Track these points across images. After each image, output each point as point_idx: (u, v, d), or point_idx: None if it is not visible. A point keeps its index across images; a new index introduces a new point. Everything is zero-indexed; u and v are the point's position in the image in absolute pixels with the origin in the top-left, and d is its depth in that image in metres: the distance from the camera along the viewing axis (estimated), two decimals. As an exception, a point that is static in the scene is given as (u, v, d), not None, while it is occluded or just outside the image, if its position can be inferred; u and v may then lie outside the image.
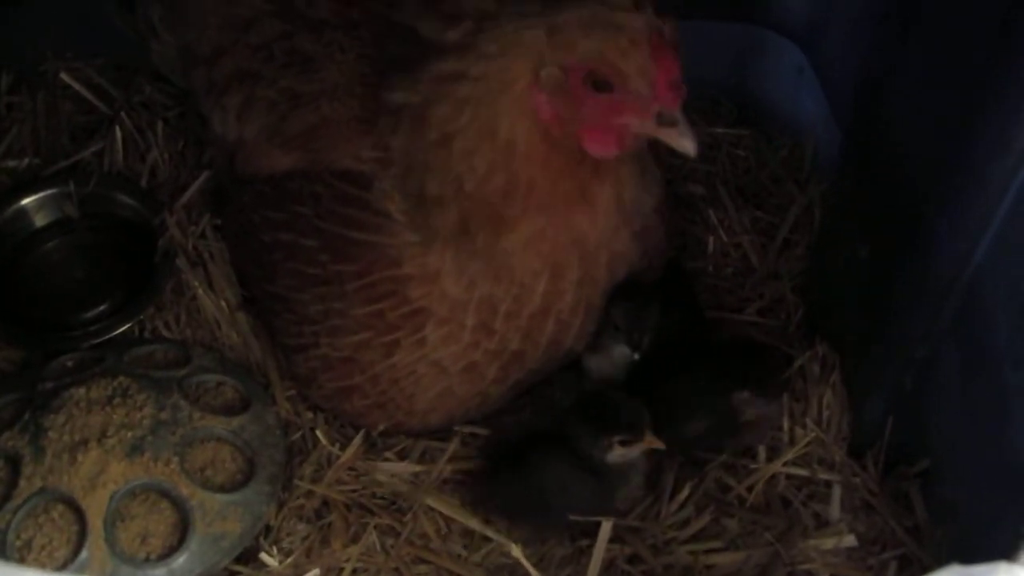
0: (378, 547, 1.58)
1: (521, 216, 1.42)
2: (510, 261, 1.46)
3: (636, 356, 1.58)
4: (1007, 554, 1.13)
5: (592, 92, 1.31)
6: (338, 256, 1.55)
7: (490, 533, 1.59)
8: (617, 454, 1.51)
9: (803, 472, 1.61)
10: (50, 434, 1.55)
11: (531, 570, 1.48)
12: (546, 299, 1.50)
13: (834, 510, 1.56)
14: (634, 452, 1.52)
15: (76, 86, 2.16)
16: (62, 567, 1.48)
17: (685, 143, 1.31)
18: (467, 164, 1.39)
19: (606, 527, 1.50)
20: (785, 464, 1.61)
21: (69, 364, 1.72)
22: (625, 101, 1.31)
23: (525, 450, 1.56)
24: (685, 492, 1.59)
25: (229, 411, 1.69)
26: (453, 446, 1.67)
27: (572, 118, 1.34)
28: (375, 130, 1.53)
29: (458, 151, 1.39)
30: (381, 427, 1.67)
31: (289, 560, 1.57)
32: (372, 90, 1.55)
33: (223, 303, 1.83)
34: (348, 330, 1.56)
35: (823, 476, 1.60)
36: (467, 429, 1.70)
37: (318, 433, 1.69)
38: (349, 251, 1.54)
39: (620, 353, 1.60)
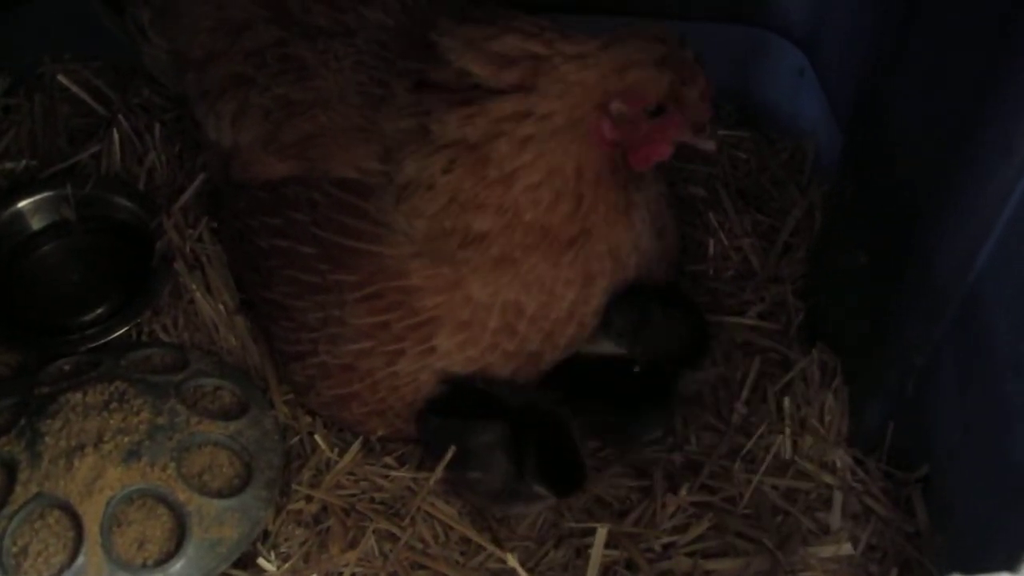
0: (376, 552, 1.58)
1: (578, 235, 1.48)
2: (545, 273, 1.49)
3: (636, 368, 1.61)
4: (1008, 563, 1.12)
5: (647, 117, 1.42)
6: (337, 265, 1.54)
7: (484, 543, 1.57)
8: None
9: (803, 478, 1.60)
10: (46, 439, 1.54)
11: (527, 577, 1.48)
12: (574, 305, 1.53)
13: (835, 516, 1.54)
14: None
15: (74, 88, 2.15)
16: (58, 573, 1.47)
17: (710, 144, 1.49)
18: (530, 197, 1.44)
19: (601, 533, 1.49)
20: (785, 470, 1.61)
21: (66, 368, 1.71)
22: (676, 120, 1.44)
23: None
24: (682, 496, 1.59)
25: (227, 415, 1.68)
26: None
27: (627, 141, 1.45)
28: (380, 141, 1.53)
29: (521, 186, 1.43)
30: (380, 433, 1.67)
31: (287, 565, 1.56)
32: (371, 100, 1.56)
33: (221, 307, 1.82)
34: (348, 339, 1.55)
35: (824, 481, 1.59)
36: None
37: (316, 438, 1.68)
38: (348, 261, 1.53)
39: (607, 349, 1.63)
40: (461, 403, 1.57)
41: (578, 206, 1.46)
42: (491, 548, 1.56)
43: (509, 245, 1.47)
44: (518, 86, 1.38)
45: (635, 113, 1.41)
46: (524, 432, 1.55)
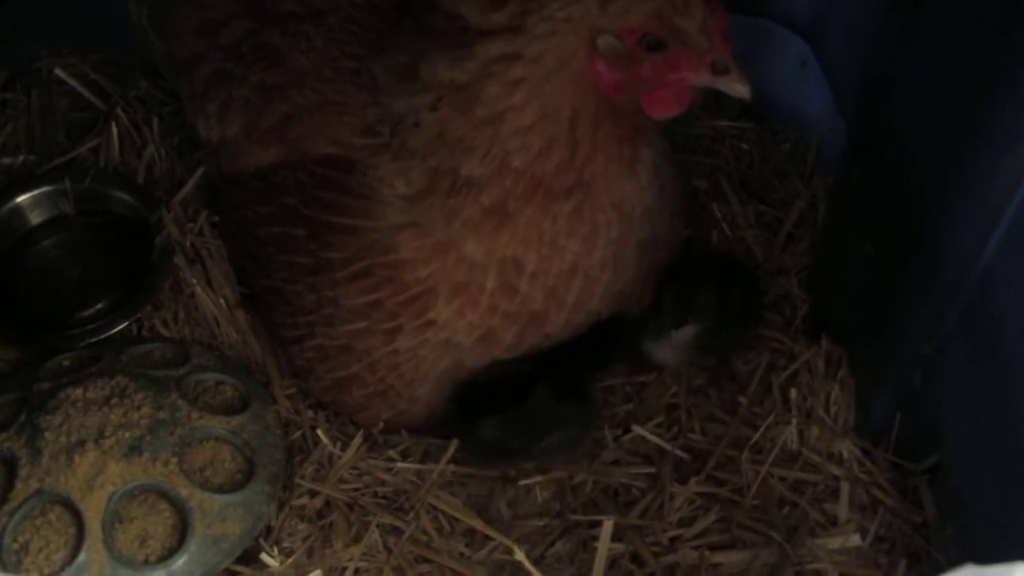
0: (380, 546, 1.57)
1: (574, 186, 1.42)
2: (542, 226, 1.45)
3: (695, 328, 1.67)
4: (1021, 553, 1.11)
5: (648, 53, 1.33)
6: (326, 244, 1.54)
7: (492, 533, 1.57)
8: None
9: (811, 469, 1.59)
10: (47, 435, 1.53)
11: (532, 570, 1.47)
12: (577, 257, 1.49)
13: (842, 508, 1.54)
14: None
15: (71, 82, 2.14)
16: (60, 570, 1.46)
17: (741, 88, 1.36)
18: (520, 141, 1.38)
19: (607, 525, 1.49)
20: (792, 461, 1.60)
21: (66, 364, 1.70)
22: (681, 57, 1.34)
23: None
24: (691, 487, 1.58)
25: (228, 410, 1.67)
26: (455, 444, 1.65)
27: (631, 83, 1.36)
28: (362, 115, 1.52)
29: (509, 129, 1.38)
30: (384, 418, 1.65)
31: (290, 560, 1.55)
32: (344, 73, 1.56)
33: (222, 301, 1.81)
34: (342, 319, 1.55)
35: (831, 473, 1.58)
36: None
37: (319, 432, 1.67)
38: (335, 238, 1.53)
39: (680, 336, 1.66)
40: (483, 403, 1.58)
41: (573, 154, 1.40)
42: (499, 539, 1.55)
43: (501, 195, 1.42)
44: (507, 27, 1.33)
45: (632, 49, 1.33)
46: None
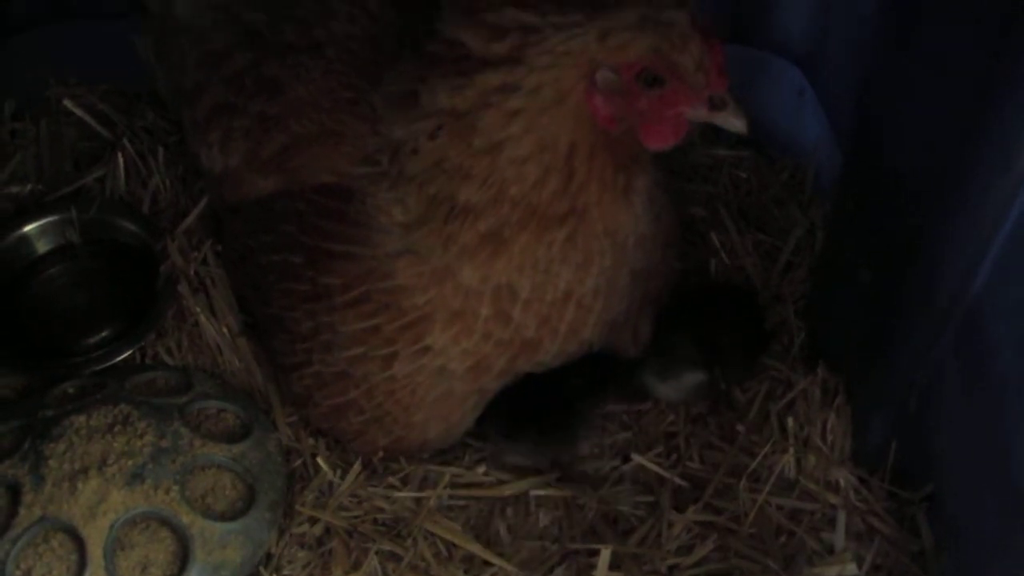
0: (379, 573, 1.58)
1: (568, 213, 1.43)
2: (537, 253, 1.46)
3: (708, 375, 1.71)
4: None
5: (645, 88, 1.35)
6: (323, 270, 1.55)
7: (490, 558, 1.58)
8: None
9: (808, 497, 1.60)
10: (50, 462, 1.54)
11: (532, 597, 1.48)
12: (570, 285, 1.50)
13: (839, 537, 1.54)
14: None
15: (79, 112, 2.17)
16: (62, 597, 1.48)
17: (737, 122, 1.37)
18: (517, 171, 1.39)
19: (605, 554, 1.49)
20: (789, 489, 1.61)
21: (70, 391, 1.72)
22: (678, 93, 1.35)
23: None
24: (689, 515, 1.59)
25: (230, 438, 1.68)
26: (450, 472, 1.67)
27: (628, 116, 1.38)
28: (360, 144, 1.54)
29: (507, 158, 1.39)
30: (382, 445, 1.66)
31: (290, 588, 1.56)
32: (341, 103, 1.58)
33: (224, 329, 1.83)
34: (340, 345, 1.56)
35: (828, 501, 1.59)
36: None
37: (319, 460, 1.68)
38: (332, 265, 1.54)
39: (692, 379, 1.70)
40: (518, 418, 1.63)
41: (568, 183, 1.41)
42: (498, 564, 1.56)
43: (497, 222, 1.43)
44: (507, 58, 1.34)
45: (628, 84, 1.34)
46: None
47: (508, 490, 1.67)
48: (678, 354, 1.70)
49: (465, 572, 1.58)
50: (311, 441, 1.73)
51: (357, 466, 1.67)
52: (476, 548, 1.59)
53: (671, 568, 1.55)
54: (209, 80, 1.73)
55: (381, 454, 1.67)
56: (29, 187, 2.06)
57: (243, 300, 1.83)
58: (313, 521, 1.63)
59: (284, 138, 1.62)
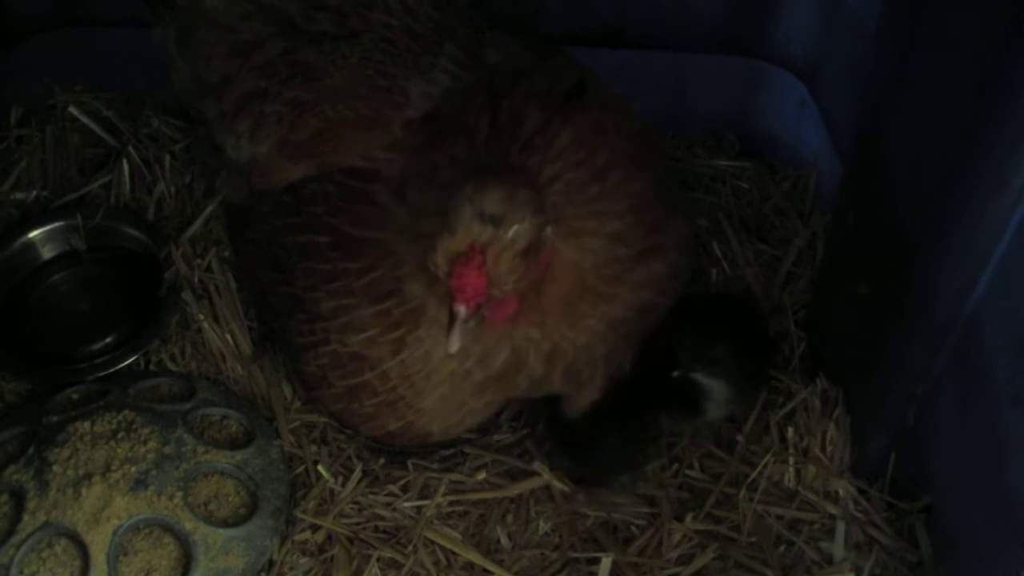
0: (380, 580, 1.59)
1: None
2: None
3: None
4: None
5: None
6: (346, 253, 1.56)
7: (490, 566, 1.59)
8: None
9: (807, 507, 1.61)
10: (54, 468, 1.55)
11: (532, 605, 1.49)
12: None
13: (838, 547, 1.55)
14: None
15: (84, 119, 2.18)
16: (65, 602, 1.49)
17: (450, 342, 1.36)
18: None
19: (606, 562, 1.50)
20: (789, 499, 1.61)
21: (74, 397, 1.73)
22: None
23: None
24: (688, 524, 1.59)
25: (233, 445, 1.69)
26: (448, 479, 1.68)
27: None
28: (391, 129, 1.56)
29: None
30: (391, 428, 1.63)
31: (292, 594, 1.57)
32: (378, 92, 1.59)
33: (228, 336, 1.84)
34: (357, 327, 1.56)
35: (827, 511, 1.59)
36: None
37: (320, 467, 1.69)
38: (355, 248, 1.55)
39: (718, 390, 1.67)
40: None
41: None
42: (498, 572, 1.57)
43: None
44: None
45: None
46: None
47: (509, 491, 1.68)
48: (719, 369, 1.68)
49: (465, 579, 1.60)
50: (313, 448, 1.74)
51: (358, 473, 1.68)
52: (475, 556, 1.60)
53: (671, 578, 1.56)
54: (240, 70, 1.72)
55: (392, 429, 1.64)
56: (34, 193, 2.08)
57: (255, 297, 1.82)
58: (315, 528, 1.64)
59: (318, 123, 1.62)
